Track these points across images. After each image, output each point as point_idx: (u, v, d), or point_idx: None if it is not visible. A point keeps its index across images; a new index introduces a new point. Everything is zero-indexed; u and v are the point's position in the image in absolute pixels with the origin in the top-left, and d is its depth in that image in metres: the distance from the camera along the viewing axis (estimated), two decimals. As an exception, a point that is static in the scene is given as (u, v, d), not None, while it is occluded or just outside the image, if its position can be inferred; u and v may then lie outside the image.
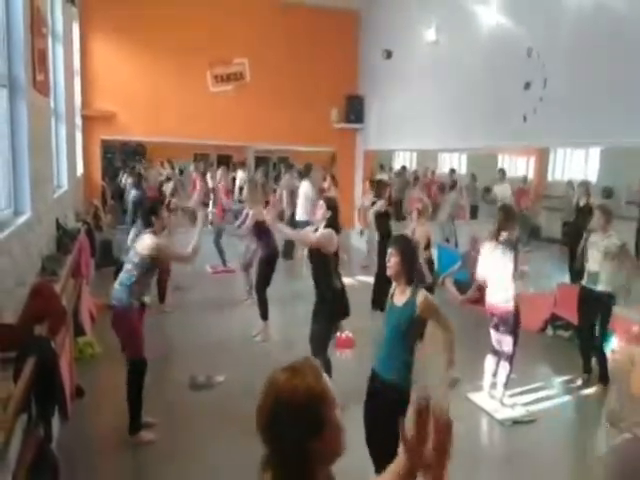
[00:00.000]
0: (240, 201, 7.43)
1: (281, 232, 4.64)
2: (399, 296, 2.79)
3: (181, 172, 13.06)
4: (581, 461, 3.79)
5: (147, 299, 5.91)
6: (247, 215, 5.81)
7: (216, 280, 7.84)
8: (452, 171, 11.64)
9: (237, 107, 9.03)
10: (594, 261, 4.61)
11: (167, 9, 8.50)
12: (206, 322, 6.08)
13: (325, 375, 1.17)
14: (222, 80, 9.03)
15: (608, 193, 9.37)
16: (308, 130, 9.65)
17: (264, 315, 5.52)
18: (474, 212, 11.62)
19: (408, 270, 2.75)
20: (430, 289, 5.44)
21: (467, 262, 5.62)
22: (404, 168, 13.47)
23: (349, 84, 9.94)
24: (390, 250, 2.79)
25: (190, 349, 5.20)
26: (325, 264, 3.94)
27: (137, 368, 3.53)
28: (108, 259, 7.23)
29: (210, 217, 7.98)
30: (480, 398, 4.35)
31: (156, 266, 3.73)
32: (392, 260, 2.76)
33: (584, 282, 4.77)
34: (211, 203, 8.90)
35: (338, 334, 5.23)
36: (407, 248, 2.81)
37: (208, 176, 10.32)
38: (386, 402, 2.73)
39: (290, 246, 8.55)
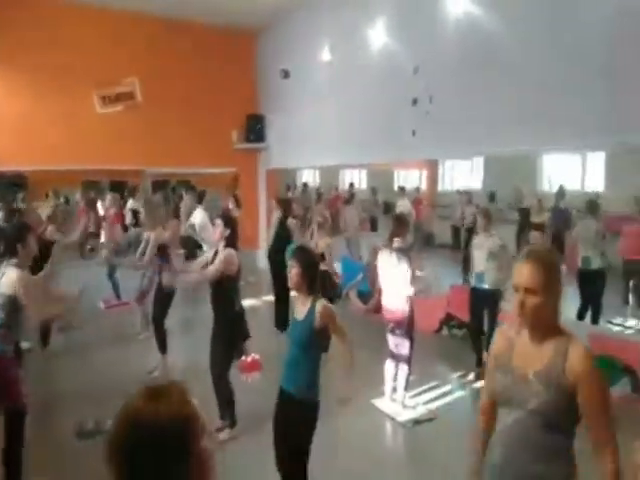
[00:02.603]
0: (135, 225, 6.84)
1: (184, 282, 4.38)
2: (300, 309, 2.77)
3: (67, 201, 12.01)
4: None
5: (26, 344, 5.30)
6: (147, 241, 5.37)
7: (110, 315, 7.28)
8: (351, 185, 12.01)
9: (129, 129, 8.57)
10: (479, 261, 4.96)
11: (46, 30, 7.87)
12: (97, 363, 5.55)
13: (193, 399, 1.04)
14: (111, 101, 8.52)
15: (492, 197, 10.20)
16: (208, 151, 9.42)
17: (162, 348, 5.18)
18: (374, 224, 12.06)
19: (309, 281, 2.73)
20: (332, 300, 5.52)
21: (369, 273, 5.77)
22: (306, 185, 13.66)
23: (248, 104, 9.90)
24: (290, 261, 2.74)
25: (78, 394, 4.71)
26: (225, 286, 3.79)
27: (16, 418, 3.11)
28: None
29: (106, 253, 7.28)
30: (383, 403, 4.46)
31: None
32: (293, 271, 2.73)
33: (473, 282, 5.09)
34: (103, 234, 8.26)
35: (243, 357, 5.08)
36: (308, 259, 2.79)
37: (99, 204, 9.62)
38: (295, 417, 2.72)
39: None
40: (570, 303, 6.02)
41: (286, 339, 2.87)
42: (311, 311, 2.69)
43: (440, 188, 15.27)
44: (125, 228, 7.55)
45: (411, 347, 4.29)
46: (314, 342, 2.72)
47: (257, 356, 5.19)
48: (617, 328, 6.05)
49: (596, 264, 5.86)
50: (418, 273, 5.31)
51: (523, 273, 1.65)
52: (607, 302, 6.13)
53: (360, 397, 4.49)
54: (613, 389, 4.33)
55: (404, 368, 4.32)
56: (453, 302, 6.42)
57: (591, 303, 5.89)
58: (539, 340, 1.69)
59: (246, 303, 7.18)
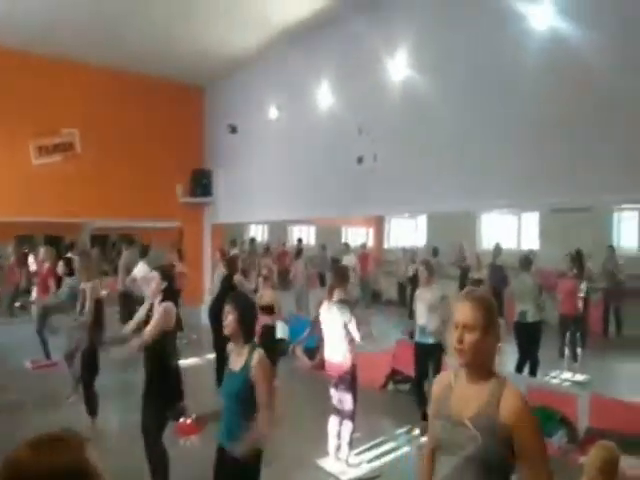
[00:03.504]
0: (70, 274, 6.40)
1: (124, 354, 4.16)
2: (236, 359, 2.67)
3: (-1, 256, 11.32)
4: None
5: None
6: (83, 293, 5.05)
7: (37, 377, 6.71)
8: (299, 241, 12.08)
9: (67, 181, 8.33)
10: (421, 314, 5.02)
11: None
12: (20, 430, 5.03)
13: (91, 450, 0.94)
14: (48, 152, 8.30)
15: (435, 253, 10.54)
16: (151, 204, 9.27)
17: (92, 410, 4.81)
18: (323, 280, 12.09)
19: (246, 329, 2.65)
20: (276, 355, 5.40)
21: (315, 328, 5.71)
22: (253, 240, 13.63)
23: (195, 158, 9.94)
24: (227, 308, 2.65)
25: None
26: (162, 342, 3.60)
27: None
28: None
29: (34, 310, 6.80)
30: (327, 463, 4.30)
31: None
32: (229, 318, 2.64)
33: (417, 337, 5.12)
34: (34, 290, 7.78)
35: (182, 419, 4.79)
36: (245, 306, 2.71)
37: (31, 259, 9.12)
38: (235, 475, 2.59)
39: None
40: (509, 357, 6.19)
41: (221, 392, 2.73)
42: (248, 362, 2.59)
43: (386, 245, 15.65)
44: (59, 280, 7.14)
45: (354, 402, 4.21)
46: (251, 395, 2.59)
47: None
48: (554, 381, 6.22)
49: (532, 317, 6.07)
50: (368, 329, 5.35)
51: (462, 310, 1.72)
52: (544, 355, 6.33)
53: (305, 456, 4.36)
54: (551, 440, 4.41)
55: (348, 424, 4.21)
56: (398, 357, 6.42)
57: (528, 356, 6.05)
58: (475, 382, 1.72)
59: (188, 361, 6.99)
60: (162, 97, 9.38)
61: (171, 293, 3.79)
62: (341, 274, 4.46)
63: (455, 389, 1.77)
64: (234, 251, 10.68)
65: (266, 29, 7.23)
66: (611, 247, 9.26)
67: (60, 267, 6.63)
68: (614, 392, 5.03)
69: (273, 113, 7.90)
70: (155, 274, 3.77)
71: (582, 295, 6.87)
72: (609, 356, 8.06)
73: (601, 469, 2.26)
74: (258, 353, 2.62)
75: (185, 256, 9.58)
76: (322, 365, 4.83)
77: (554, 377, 6.41)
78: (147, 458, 3.59)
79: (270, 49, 7.80)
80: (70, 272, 6.23)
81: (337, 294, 4.31)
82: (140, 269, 7.31)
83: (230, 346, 2.76)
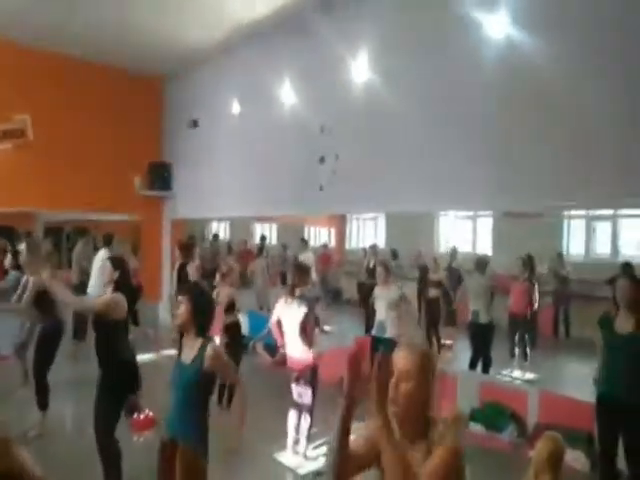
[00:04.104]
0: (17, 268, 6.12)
1: (58, 294, 3.96)
2: (187, 351, 2.62)
3: None
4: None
5: None
6: (25, 286, 4.84)
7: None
8: (262, 238, 12.01)
9: (18, 169, 7.95)
10: (380, 311, 5.14)
11: None
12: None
13: (18, 451, 0.88)
14: (-3, 138, 7.90)
15: (394, 255, 10.73)
16: (108, 197, 8.97)
17: (43, 404, 4.62)
18: (284, 278, 12.07)
19: (199, 320, 2.60)
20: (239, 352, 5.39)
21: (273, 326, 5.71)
22: (216, 237, 13.45)
23: (154, 150, 9.71)
24: (180, 298, 2.61)
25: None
26: (113, 332, 3.51)
27: None
28: None
29: None
30: (285, 457, 4.32)
31: None
32: (182, 308, 2.59)
33: (374, 331, 5.24)
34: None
35: (136, 415, 4.69)
36: (199, 297, 2.66)
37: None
38: (181, 466, 2.52)
39: (83, 324, 7.46)
40: (464, 355, 6.38)
41: (171, 383, 2.67)
42: (200, 354, 2.56)
43: (348, 246, 15.78)
44: (5, 272, 6.80)
45: (314, 396, 4.24)
46: (201, 386, 2.57)
47: (151, 413, 4.84)
48: (505, 379, 6.45)
49: (484, 318, 6.30)
50: (326, 327, 5.40)
51: (398, 359, 1.68)
52: (497, 355, 6.57)
53: (262, 451, 4.36)
54: (501, 435, 4.58)
55: (307, 418, 4.25)
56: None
57: (481, 354, 6.26)
58: (410, 439, 1.64)
59: (145, 357, 6.82)
60: (120, 87, 9.10)
61: (124, 285, 3.69)
62: (302, 271, 4.47)
63: (392, 452, 1.59)
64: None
65: (228, 24, 7.14)
66: (560, 254, 9.71)
67: (7, 259, 6.31)
68: (562, 390, 5.28)
69: (235, 108, 7.82)
70: (107, 264, 3.67)
71: (533, 298, 7.14)
72: (558, 356, 8.45)
73: (548, 460, 2.36)
74: (212, 345, 2.59)
75: (139, 251, 9.34)
76: (283, 361, 4.84)
77: (505, 375, 6.64)
78: (99, 453, 3.49)
79: (232, 44, 7.71)
80: (18, 266, 5.93)
81: (298, 291, 4.33)
82: (98, 258, 7.11)
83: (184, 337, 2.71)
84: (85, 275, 7.91)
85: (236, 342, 5.41)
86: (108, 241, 7.86)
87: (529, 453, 2.47)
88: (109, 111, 8.94)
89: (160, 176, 9.52)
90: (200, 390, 2.57)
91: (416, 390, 1.63)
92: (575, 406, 4.52)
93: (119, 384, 3.50)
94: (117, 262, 3.72)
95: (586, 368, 6.55)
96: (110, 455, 3.48)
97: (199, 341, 2.59)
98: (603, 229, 10.42)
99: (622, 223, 10.07)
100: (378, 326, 5.18)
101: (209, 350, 2.55)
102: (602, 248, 10.40)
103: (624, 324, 3.41)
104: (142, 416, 4.74)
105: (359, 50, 5.88)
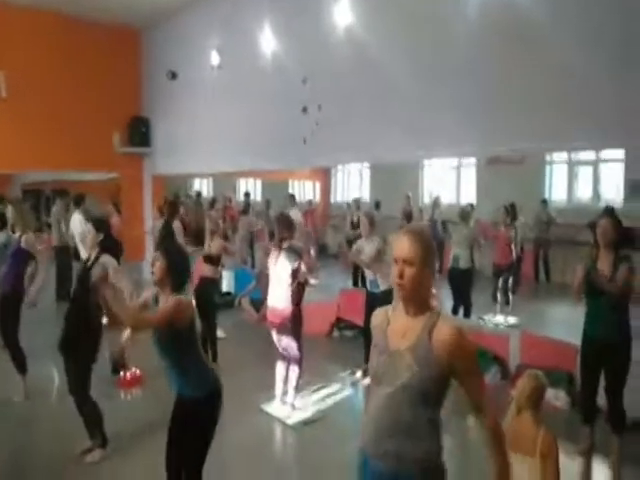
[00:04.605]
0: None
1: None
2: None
3: None
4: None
5: None
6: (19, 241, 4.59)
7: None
8: (246, 195, 11.85)
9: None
10: (365, 267, 5.11)
11: None
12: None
13: None
14: (-33, 96, 7.53)
15: (377, 206, 10.71)
16: (86, 154, 8.70)
17: (21, 368, 4.53)
18: (272, 235, 12.01)
19: (174, 277, 2.56)
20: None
21: (261, 281, 5.70)
22: (199, 194, 13.26)
23: (132, 105, 9.35)
24: (156, 254, 2.57)
25: None
26: (89, 295, 3.42)
27: None
28: None
29: None
30: (273, 407, 4.40)
31: None
32: (157, 265, 2.55)
33: (368, 287, 5.24)
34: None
35: (122, 374, 4.73)
36: (174, 253, 2.64)
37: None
38: (185, 418, 2.57)
39: (67, 283, 7.36)
40: (448, 303, 6.51)
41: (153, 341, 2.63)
42: None
43: (333, 200, 15.70)
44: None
45: (300, 348, 4.26)
46: (184, 338, 2.55)
47: (138, 371, 4.87)
48: (488, 324, 6.61)
49: (464, 264, 6.42)
50: (312, 281, 5.39)
51: (401, 246, 1.73)
52: (479, 301, 6.71)
53: (250, 402, 4.44)
54: (485, 376, 4.72)
55: (295, 369, 4.29)
56: (343, 306, 6.59)
57: (461, 299, 6.41)
58: (412, 316, 1.76)
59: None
60: (95, 40, 8.65)
61: (109, 245, 3.64)
62: (285, 224, 4.40)
63: (392, 322, 1.81)
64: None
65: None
66: (544, 201, 9.78)
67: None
68: (543, 332, 5.41)
69: (215, 59, 7.49)
70: (90, 227, 3.60)
71: (515, 244, 7.24)
72: (538, 300, 8.66)
73: (529, 396, 2.43)
74: (174, 298, 2.52)
75: (122, 209, 9.17)
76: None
77: (488, 320, 6.81)
78: (79, 413, 3.52)
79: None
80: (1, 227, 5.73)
81: (285, 244, 4.29)
82: (75, 221, 6.93)
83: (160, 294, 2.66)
84: (65, 238, 7.77)
85: (207, 295, 5.31)
86: (79, 202, 7.64)
87: (511, 393, 2.53)
88: (85, 66, 8.54)
89: (138, 132, 9.24)
90: (182, 342, 2.54)
91: (420, 275, 1.71)
92: (556, 347, 4.66)
93: (86, 347, 3.46)
94: (99, 224, 3.65)
95: (566, 311, 6.78)
96: (90, 414, 3.50)
97: (172, 297, 2.55)
98: (585, 174, 10.47)
99: (603, 168, 10.11)
100: (371, 283, 5.15)
101: (172, 300, 2.50)
102: (584, 193, 10.49)
103: (603, 264, 3.46)
104: (129, 374, 4.78)
105: (340, -8, 5.61)
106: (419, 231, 1.80)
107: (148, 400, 4.63)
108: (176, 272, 2.57)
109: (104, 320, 3.59)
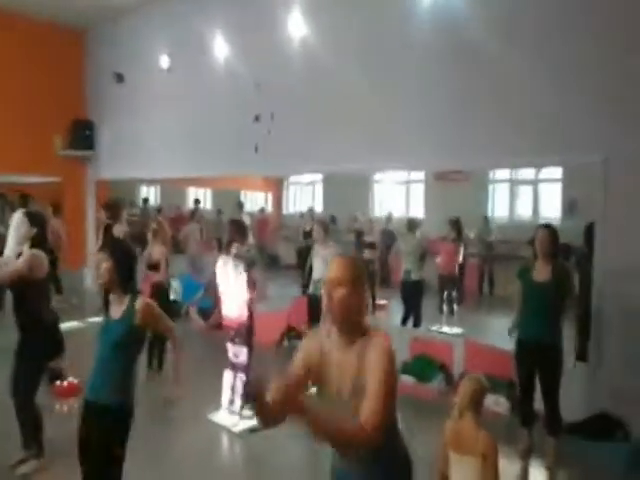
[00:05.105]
0: None
1: None
2: (116, 308, 2.50)
3: None
4: (313, 454, 3.99)
5: None
6: None
7: None
8: (196, 202, 11.64)
9: None
10: (318, 270, 5.16)
11: None
12: None
13: None
14: None
15: (332, 220, 10.81)
16: (26, 158, 8.26)
17: None
18: (220, 245, 11.82)
19: (122, 277, 2.47)
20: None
21: (210, 289, 5.59)
22: (146, 201, 12.88)
23: (76, 108, 9.00)
24: (101, 256, 2.46)
25: None
26: (32, 292, 3.27)
27: None
28: None
29: None
30: (220, 417, 4.31)
31: None
32: (104, 266, 2.45)
33: (310, 289, 5.27)
34: None
35: (59, 382, 4.49)
36: (121, 253, 2.54)
37: None
38: (103, 425, 2.43)
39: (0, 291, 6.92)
40: (397, 313, 6.61)
41: (98, 340, 2.53)
42: (129, 308, 2.45)
43: (285, 211, 15.67)
44: None
45: (250, 355, 4.22)
46: (131, 342, 2.48)
47: (75, 380, 4.63)
48: (435, 334, 6.76)
49: (415, 276, 6.56)
50: (265, 292, 5.35)
51: (332, 268, 1.73)
52: (426, 312, 6.85)
53: (196, 412, 4.31)
54: (431, 384, 4.82)
55: (243, 377, 4.22)
56: (294, 314, 6.55)
57: (412, 310, 6.53)
58: (348, 345, 1.70)
59: (69, 325, 6.46)
60: (36, 39, 8.32)
61: (42, 241, 3.44)
62: (237, 228, 4.36)
63: (330, 355, 1.73)
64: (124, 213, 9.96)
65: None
66: (486, 217, 10.21)
67: None
68: (485, 341, 5.59)
69: (164, 62, 7.36)
70: (24, 218, 3.40)
71: (460, 258, 7.48)
72: (482, 312, 8.98)
73: (471, 398, 2.48)
74: (142, 299, 2.50)
75: (62, 213, 8.74)
76: (216, 325, 4.76)
77: (434, 330, 6.96)
78: (18, 419, 3.30)
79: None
80: None
81: (235, 249, 4.23)
82: (14, 218, 6.53)
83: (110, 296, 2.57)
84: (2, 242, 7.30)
85: (161, 303, 5.13)
86: (24, 202, 7.25)
87: (454, 399, 2.58)
88: (28, 65, 8.21)
89: (82, 135, 8.89)
90: (129, 348, 2.47)
91: (350, 295, 1.66)
92: (497, 355, 4.81)
93: (40, 347, 3.30)
94: (35, 218, 3.47)
95: (507, 322, 7.04)
96: (30, 420, 3.30)
97: (127, 297, 2.48)
98: (525, 192, 11.02)
99: (542, 187, 10.69)
100: (315, 284, 5.18)
101: (139, 303, 2.46)
102: (525, 211, 11.03)
103: (541, 273, 3.63)
104: (65, 383, 4.54)
105: (295, 3, 5.69)
106: (350, 257, 1.79)
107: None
108: (125, 271, 2.49)
109: None
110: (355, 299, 1.68)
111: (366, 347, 1.65)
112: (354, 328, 1.70)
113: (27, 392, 3.27)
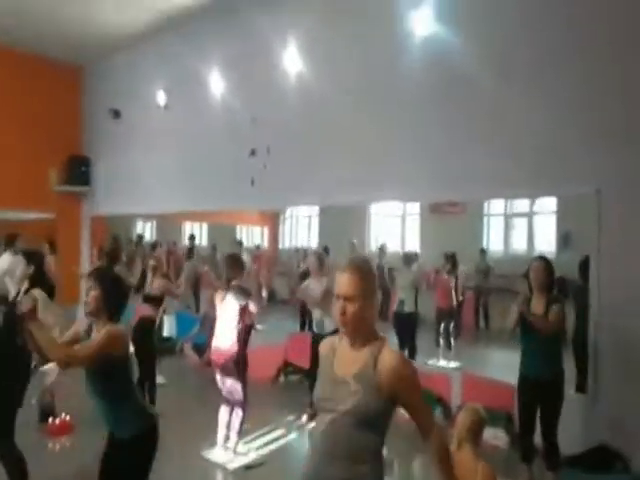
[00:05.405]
0: None
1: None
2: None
3: None
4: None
5: None
6: None
7: None
8: (191, 238, 11.63)
9: None
10: (312, 305, 5.09)
11: None
12: None
13: None
14: None
15: (326, 251, 10.83)
16: (20, 193, 8.29)
17: None
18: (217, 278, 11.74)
19: (110, 306, 2.43)
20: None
21: (205, 324, 5.55)
22: (141, 238, 12.88)
23: (71, 143, 9.11)
24: (89, 284, 2.43)
25: None
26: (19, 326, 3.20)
27: None
28: None
29: None
30: (214, 454, 4.21)
31: None
32: (91, 294, 2.41)
33: (315, 329, 5.18)
34: None
35: (51, 420, 4.38)
36: (109, 281, 2.51)
37: None
38: (120, 460, 2.41)
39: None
40: (391, 344, 6.52)
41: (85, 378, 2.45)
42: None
43: (281, 246, 15.68)
44: None
45: (245, 391, 4.14)
46: (116, 372, 2.40)
47: (67, 417, 4.51)
48: (432, 367, 6.67)
49: (409, 308, 6.55)
50: (258, 327, 5.30)
51: (342, 282, 1.75)
52: (423, 345, 6.78)
53: (190, 449, 4.23)
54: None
55: (239, 413, 4.16)
56: (291, 350, 6.47)
57: (406, 342, 6.48)
58: (358, 347, 1.79)
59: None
60: (37, 75, 8.49)
61: (41, 280, 3.44)
62: (235, 263, 4.34)
63: (338, 352, 1.83)
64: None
65: (151, 9, 6.89)
66: (482, 250, 10.25)
67: None
68: (483, 374, 5.52)
69: (161, 99, 7.53)
70: (20, 258, 3.41)
71: (460, 292, 7.49)
72: (479, 345, 8.90)
73: (469, 429, 2.45)
74: (111, 325, 2.39)
75: (57, 250, 8.74)
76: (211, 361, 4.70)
77: (432, 364, 6.88)
78: (2, 463, 3.20)
79: (156, 30, 7.45)
80: None
81: (233, 282, 4.21)
82: (4, 259, 6.49)
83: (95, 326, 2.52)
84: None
85: (146, 336, 5.05)
86: (10, 242, 7.18)
87: (452, 431, 2.55)
88: (24, 101, 8.33)
89: (78, 170, 8.99)
90: (115, 375, 2.39)
91: (362, 309, 1.74)
92: (495, 388, 4.76)
93: (11, 391, 3.21)
94: (31, 256, 3.47)
95: (504, 355, 6.97)
96: (12, 461, 3.18)
97: (107, 326, 2.39)
98: (520, 225, 11.12)
99: (537, 220, 10.80)
100: (318, 324, 5.10)
101: (106, 329, 2.34)
102: (520, 244, 11.10)
103: (536, 306, 3.63)
104: (57, 421, 4.43)
105: (290, 38, 5.86)
106: (359, 265, 1.80)
107: (78, 449, 4.28)
108: (113, 299, 2.45)
109: (34, 362, 3.35)
110: (368, 311, 1.76)
111: (379, 354, 1.74)
112: (365, 335, 1.79)
113: (4, 437, 3.18)
